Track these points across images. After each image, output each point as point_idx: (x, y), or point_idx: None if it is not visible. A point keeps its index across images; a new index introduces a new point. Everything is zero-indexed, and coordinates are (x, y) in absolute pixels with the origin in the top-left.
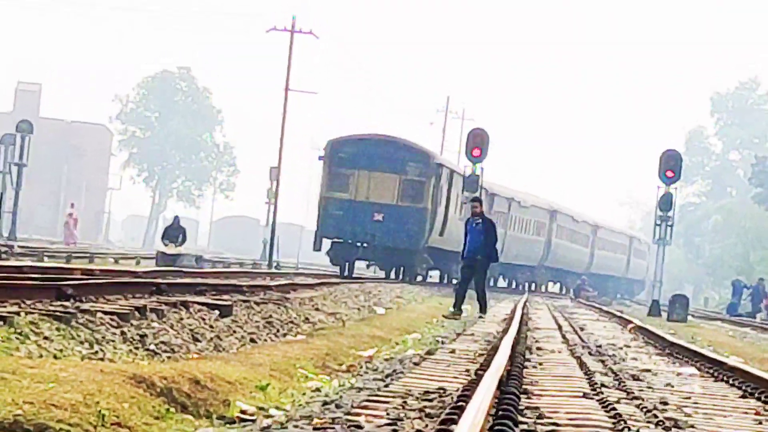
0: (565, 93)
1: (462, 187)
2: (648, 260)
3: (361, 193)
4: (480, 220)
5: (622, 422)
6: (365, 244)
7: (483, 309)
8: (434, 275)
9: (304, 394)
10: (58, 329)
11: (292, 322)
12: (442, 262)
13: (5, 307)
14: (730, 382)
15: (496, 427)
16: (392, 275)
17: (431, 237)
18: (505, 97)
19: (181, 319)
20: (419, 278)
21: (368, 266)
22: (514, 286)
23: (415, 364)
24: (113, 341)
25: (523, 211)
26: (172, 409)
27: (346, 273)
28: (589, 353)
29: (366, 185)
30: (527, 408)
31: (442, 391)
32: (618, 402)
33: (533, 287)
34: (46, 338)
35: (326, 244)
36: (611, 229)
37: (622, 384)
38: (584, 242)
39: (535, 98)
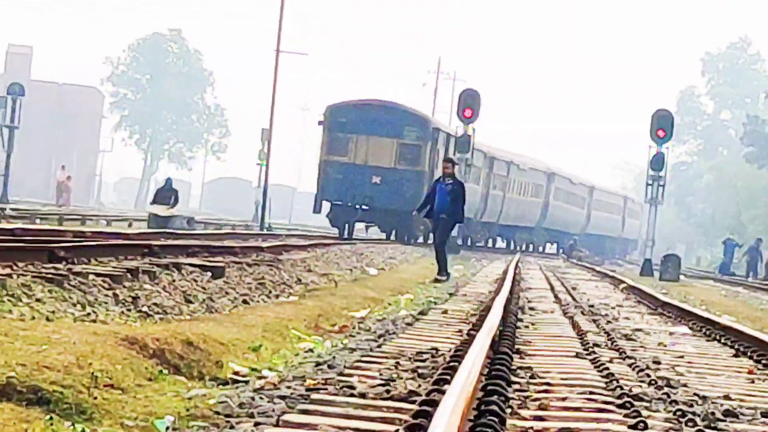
0: (557, 55)
1: (446, 148)
2: (641, 220)
3: (360, 157)
4: (451, 182)
5: (614, 382)
6: (364, 207)
7: (442, 271)
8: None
9: (296, 354)
10: (50, 291)
11: (284, 283)
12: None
13: None
14: (723, 341)
15: (489, 387)
16: (393, 237)
17: None
18: (497, 59)
19: (173, 280)
20: (419, 240)
21: (367, 228)
22: (512, 247)
23: (408, 324)
24: (105, 303)
25: (521, 173)
26: (165, 371)
27: (345, 235)
28: (582, 313)
29: (364, 149)
30: (520, 368)
31: (434, 351)
32: (610, 362)
33: (531, 248)
34: (38, 300)
35: (326, 206)
36: (607, 190)
37: (615, 344)
38: (581, 204)
39: (528, 60)
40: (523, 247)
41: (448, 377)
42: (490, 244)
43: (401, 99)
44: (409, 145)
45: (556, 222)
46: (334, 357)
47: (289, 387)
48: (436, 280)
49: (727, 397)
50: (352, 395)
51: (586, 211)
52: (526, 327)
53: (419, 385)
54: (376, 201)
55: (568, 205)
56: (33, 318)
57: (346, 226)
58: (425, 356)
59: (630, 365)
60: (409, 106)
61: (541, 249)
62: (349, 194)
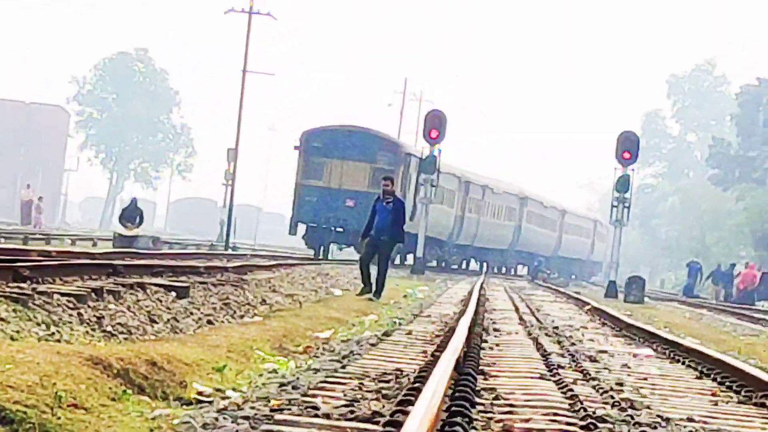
0: (522, 76)
1: (418, 173)
2: (607, 242)
3: (334, 181)
4: (391, 200)
5: (578, 403)
6: (338, 229)
7: (378, 292)
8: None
9: (260, 375)
10: (14, 311)
11: (248, 303)
12: (413, 245)
13: None
14: (687, 363)
15: (453, 408)
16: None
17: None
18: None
19: (138, 300)
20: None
21: (340, 249)
22: (486, 269)
23: (372, 345)
24: (70, 323)
25: (495, 197)
26: (129, 391)
27: (320, 256)
28: (546, 334)
29: (339, 173)
30: (484, 389)
31: (399, 372)
32: (574, 383)
33: (503, 270)
34: (2, 320)
35: (301, 228)
36: (577, 213)
37: (579, 365)
38: (552, 227)
39: (493, 80)
40: (495, 269)
41: (413, 398)
42: (464, 266)
43: (367, 119)
44: (382, 169)
45: (528, 244)
46: (298, 378)
47: (253, 407)
48: (371, 299)
49: (690, 419)
50: (316, 416)
51: (557, 234)
52: (491, 348)
53: (383, 406)
54: (350, 223)
55: (540, 228)
56: None
57: (321, 247)
58: (389, 377)
59: (594, 387)
60: (382, 132)
61: (513, 271)
62: (323, 217)
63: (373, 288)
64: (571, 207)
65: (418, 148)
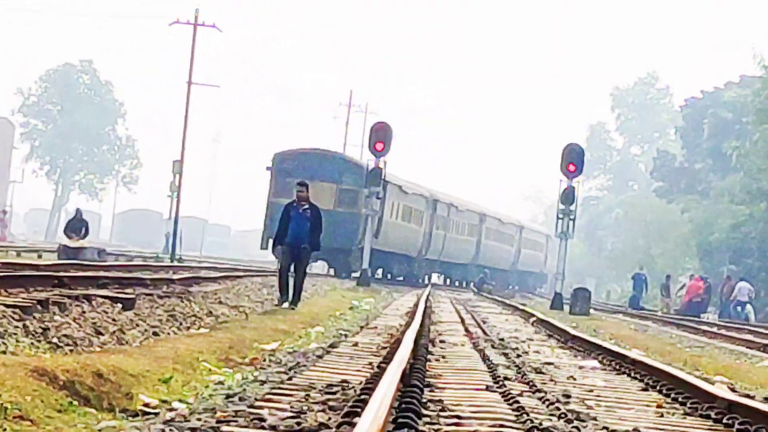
0: (468, 87)
1: (384, 194)
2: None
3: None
4: (307, 206)
5: (525, 415)
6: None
7: (296, 300)
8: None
9: (207, 387)
10: None
11: (195, 315)
12: (380, 260)
13: None
14: (632, 374)
15: (400, 420)
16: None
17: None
18: (407, 92)
19: (84, 312)
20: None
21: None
22: (449, 282)
23: (319, 357)
24: (15, 334)
25: (459, 214)
26: (75, 402)
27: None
28: (492, 346)
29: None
30: (430, 401)
31: (345, 384)
32: (521, 395)
33: (464, 283)
34: None
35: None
36: (532, 228)
37: (525, 377)
38: (510, 242)
39: (438, 92)
40: (457, 283)
41: (359, 410)
42: (426, 280)
43: (313, 130)
44: (347, 190)
45: (488, 259)
46: (244, 389)
47: (199, 419)
48: (291, 308)
49: (636, 431)
50: (262, 428)
51: (515, 248)
52: (437, 360)
53: (330, 418)
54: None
55: (498, 243)
56: None
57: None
58: (336, 389)
59: (540, 399)
60: (348, 155)
61: (472, 285)
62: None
63: (290, 297)
64: (527, 222)
65: (390, 171)
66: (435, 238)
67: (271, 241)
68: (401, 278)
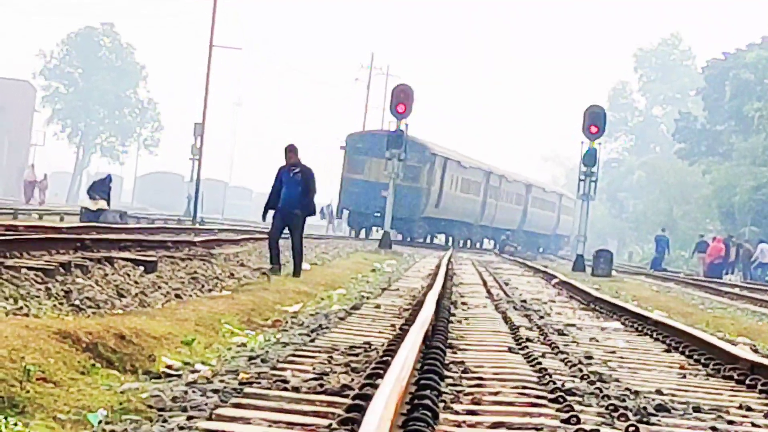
0: (489, 49)
1: (444, 168)
2: (574, 216)
3: (372, 175)
4: (297, 170)
5: (547, 376)
6: (376, 213)
7: (297, 270)
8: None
9: (229, 349)
10: None
11: (216, 277)
12: (441, 227)
13: None
14: (655, 336)
15: (422, 382)
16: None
17: (427, 209)
18: (428, 53)
19: (106, 274)
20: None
21: (367, 233)
22: (497, 246)
23: (341, 319)
24: (38, 297)
25: (509, 185)
26: (98, 364)
27: (362, 236)
28: (514, 308)
29: (375, 169)
30: (452, 362)
31: (367, 346)
32: (543, 356)
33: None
34: None
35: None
36: (569, 196)
37: (547, 339)
38: (552, 209)
39: (459, 54)
40: (505, 248)
41: (381, 371)
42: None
43: (335, 93)
44: (410, 166)
45: (533, 225)
46: (267, 351)
47: (222, 381)
48: (292, 275)
49: (659, 392)
50: (285, 389)
51: (555, 215)
52: (459, 322)
53: (352, 380)
54: (385, 210)
55: (542, 211)
56: None
57: (363, 229)
58: (358, 351)
59: (562, 360)
60: (411, 135)
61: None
62: (363, 204)
63: (281, 265)
64: (536, 181)
65: (447, 147)
66: (488, 207)
67: (345, 212)
68: (461, 244)
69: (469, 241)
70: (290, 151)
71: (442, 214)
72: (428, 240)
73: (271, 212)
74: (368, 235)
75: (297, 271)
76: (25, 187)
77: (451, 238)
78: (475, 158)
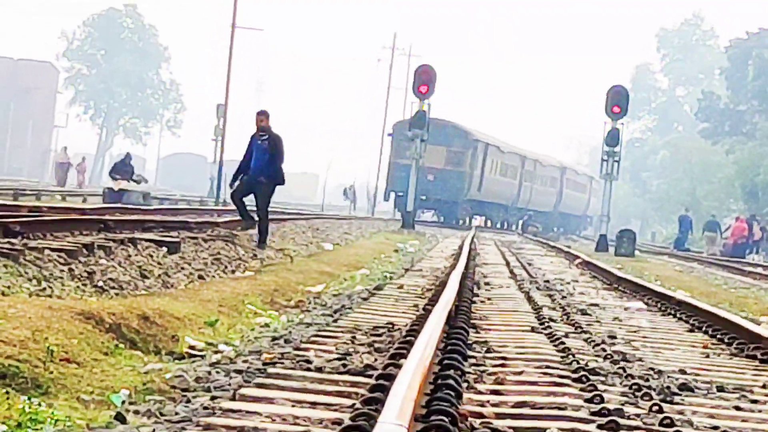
0: (512, 29)
1: (485, 153)
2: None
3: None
4: (265, 136)
5: (570, 356)
6: (422, 197)
7: (263, 239)
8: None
9: (252, 329)
10: (5, 266)
11: (239, 258)
12: (481, 209)
13: None
14: (678, 316)
15: (445, 362)
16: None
17: (470, 192)
18: (451, 34)
19: (129, 255)
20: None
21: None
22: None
23: (364, 299)
24: (61, 278)
25: (543, 169)
26: (121, 345)
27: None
28: (537, 288)
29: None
30: (476, 342)
31: (390, 326)
32: (566, 336)
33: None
34: None
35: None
36: (575, 170)
37: (570, 318)
38: (583, 190)
39: (482, 34)
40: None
41: (405, 351)
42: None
43: (357, 75)
44: (455, 152)
45: (567, 207)
46: (290, 332)
47: (245, 361)
48: (257, 246)
49: (682, 372)
50: (308, 369)
51: (587, 196)
52: (482, 302)
53: (375, 360)
54: (430, 193)
55: (575, 193)
56: None
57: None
58: (381, 331)
59: (586, 340)
60: (456, 122)
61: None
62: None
63: (258, 236)
64: (570, 163)
65: (487, 133)
66: (524, 190)
67: (392, 195)
68: (498, 225)
69: (505, 223)
70: (260, 115)
71: (482, 197)
72: (468, 221)
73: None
74: (414, 217)
75: (262, 241)
76: (58, 168)
77: (488, 221)
78: (511, 143)
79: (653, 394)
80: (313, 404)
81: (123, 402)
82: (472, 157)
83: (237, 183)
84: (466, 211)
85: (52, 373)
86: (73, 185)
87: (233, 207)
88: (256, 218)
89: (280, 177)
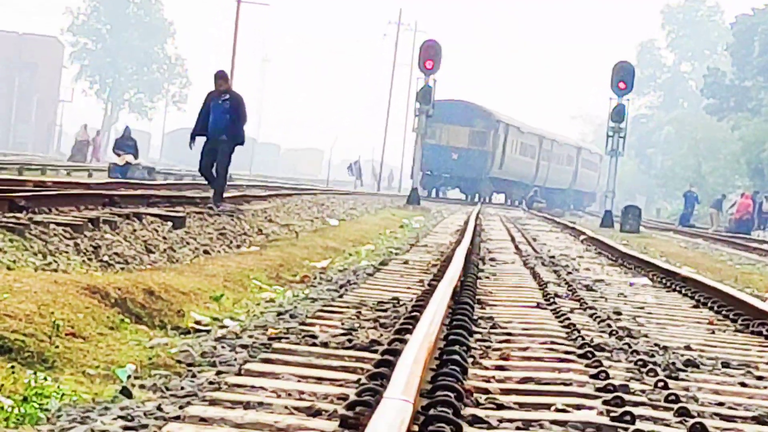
0: (517, 5)
1: (506, 133)
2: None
3: (443, 140)
4: (227, 97)
5: (575, 332)
6: (447, 175)
7: (218, 197)
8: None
9: (258, 304)
10: (11, 240)
11: (245, 233)
12: (502, 186)
13: None
14: (683, 292)
15: (451, 337)
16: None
17: (492, 170)
18: (457, 9)
19: (135, 230)
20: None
21: (429, 192)
22: (552, 207)
23: (369, 274)
24: (67, 252)
25: (560, 147)
26: (127, 320)
27: (434, 195)
28: (542, 264)
29: (446, 134)
30: (481, 318)
31: (396, 301)
32: (571, 312)
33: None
34: None
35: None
36: (589, 149)
37: (576, 294)
38: (595, 168)
39: (487, 10)
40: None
41: (410, 327)
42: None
43: (363, 50)
44: (478, 131)
45: (581, 184)
46: (295, 307)
47: (250, 336)
48: (210, 208)
49: (687, 348)
50: (314, 344)
51: (598, 174)
52: (487, 277)
53: (381, 335)
54: (454, 171)
55: (589, 171)
56: None
57: (434, 189)
58: (387, 306)
59: (591, 315)
60: (478, 104)
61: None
62: (435, 166)
63: (212, 192)
64: (584, 143)
65: (509, 114)
66: (541, 168)
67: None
68: (518, 202)
69: (524, 200)
70: (220, 77)
71: (503, 175)
72: (489, 199)
73: (201, 141)
74: (439, 194)
75: (216, 198)
76: (79, 146)
77: (509, 199)
78: (529, 124)
79: (658, 370)
80: (319, 379)
81: (129, 376)
82: (494, 136)
83: (194, 144)
84: (488, 189)
85: (57, 347)
86: (37, 156)
87: (236, 183)
88: (215, 175)
89: (241, 137)
